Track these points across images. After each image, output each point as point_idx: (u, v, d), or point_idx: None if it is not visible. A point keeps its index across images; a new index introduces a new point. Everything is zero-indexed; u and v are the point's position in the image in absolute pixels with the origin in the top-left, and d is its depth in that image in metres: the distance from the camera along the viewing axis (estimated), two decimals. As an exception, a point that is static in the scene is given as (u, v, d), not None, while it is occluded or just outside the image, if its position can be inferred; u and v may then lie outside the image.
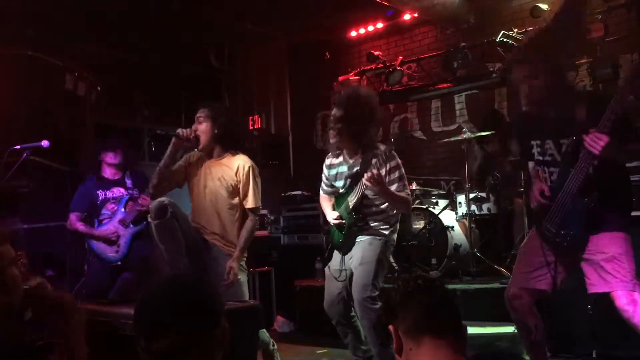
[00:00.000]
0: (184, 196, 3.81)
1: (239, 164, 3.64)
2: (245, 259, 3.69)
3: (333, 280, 3.63)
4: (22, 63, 5.55)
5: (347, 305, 3.60)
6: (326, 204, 3.80)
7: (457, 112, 7.05)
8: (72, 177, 4.97)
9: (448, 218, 5.52)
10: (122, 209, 4.42)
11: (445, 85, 6.93)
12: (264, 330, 3.54)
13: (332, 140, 3.71)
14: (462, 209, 5.49)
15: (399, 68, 7.08)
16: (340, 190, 3.69)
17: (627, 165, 2.93)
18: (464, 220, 5.48)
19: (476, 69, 6.47)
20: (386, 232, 3.56)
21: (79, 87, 5.91)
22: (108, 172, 4.56)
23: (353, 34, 7.82)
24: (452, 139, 5.69)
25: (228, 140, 3.70)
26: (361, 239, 3.55)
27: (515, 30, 5.99)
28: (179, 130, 3.63)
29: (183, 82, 7.62)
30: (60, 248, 4.98)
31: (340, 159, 3.69)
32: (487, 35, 6.22)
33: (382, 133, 6.56)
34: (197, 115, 3.69)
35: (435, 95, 7.17)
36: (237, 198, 3.64)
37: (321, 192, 3.88)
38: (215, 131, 3.65)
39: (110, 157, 4.50)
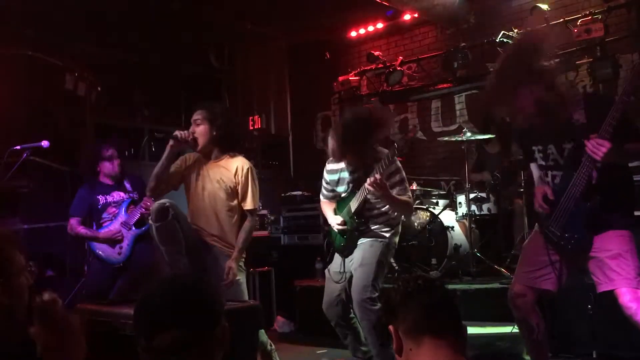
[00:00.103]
0: (181, 197, 3.79)
1: (238, 165, 3.61)
2: (243, 259, 3.68)
3: (332, 282, 3.64)
4: (22, 63, 5.54)
5: (345, 307, 3.61)
6: (328, 209, 3.80)
7: (457, 112, 7.07)
8: (72, 177, 4.97)
9: (448, 218, 5.52)
10: (124, 212, 4.41)
11: (445, 85, 6.94)
12: (262, 330, 3.54)
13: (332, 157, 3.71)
14: (462, 209, 5.49)
15: (399, 68, 7.08)
16: (342, 195, 3.69)
17: (630, 165, 2.93)
18: (464, 221, 5.47)
19: (476, 69, 6.45)
20: (387, 235, 3.57)
21: (79, 87, 5.89)
22: (107, 178, 4.53)
23: (353, 34, 7.82)
24: (452, 139, 5.69)
25: (226, 142, 3.66)
26: (362, 241, 3.56)
27: (515, 30, 5.98)
28: (177, 133, 3.56)
29: (183, 82, 7.61)
30: (60, 248, 4.98)
31: (342, 164, 3.68)
32: (487, 36, 6.23)
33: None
34: (194, 117, 3.63)
35: (435, 95, 7.19)
36: (236, 200, 3.62)
37: (322, 197, 3.88)
38: (214, 133, 3.60)
39: (107, 168, 4.43)
